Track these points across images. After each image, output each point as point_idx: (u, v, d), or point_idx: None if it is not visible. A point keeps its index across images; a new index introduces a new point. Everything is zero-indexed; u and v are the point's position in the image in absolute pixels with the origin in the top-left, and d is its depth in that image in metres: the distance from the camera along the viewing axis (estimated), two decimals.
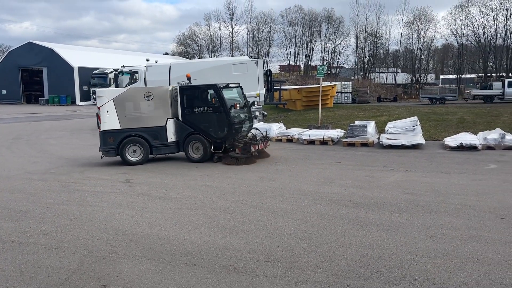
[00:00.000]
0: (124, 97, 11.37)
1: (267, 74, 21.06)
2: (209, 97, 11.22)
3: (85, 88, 47.18)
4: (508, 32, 52.35)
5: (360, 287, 4.08)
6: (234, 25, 64.99)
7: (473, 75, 56.85)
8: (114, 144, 11.18)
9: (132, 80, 20.80)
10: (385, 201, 7.12)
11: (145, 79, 20.39)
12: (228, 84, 11.71)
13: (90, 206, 7.30)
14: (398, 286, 4.10)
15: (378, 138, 13.97)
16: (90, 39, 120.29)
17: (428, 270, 4.43)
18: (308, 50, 64.48)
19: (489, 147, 12.28)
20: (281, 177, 9.27)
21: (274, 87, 24.03)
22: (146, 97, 11.23)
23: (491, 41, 53.98)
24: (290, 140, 15.10)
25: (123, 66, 21.48)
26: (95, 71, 45.21)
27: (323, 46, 64.20)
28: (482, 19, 53.67)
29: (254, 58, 20.93)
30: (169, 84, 20.17)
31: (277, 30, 65.37)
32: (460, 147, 12.23)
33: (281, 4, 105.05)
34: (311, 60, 64.54)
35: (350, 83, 40.98)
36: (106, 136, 11.24)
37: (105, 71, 43.65)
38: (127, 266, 4.76)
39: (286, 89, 27.35)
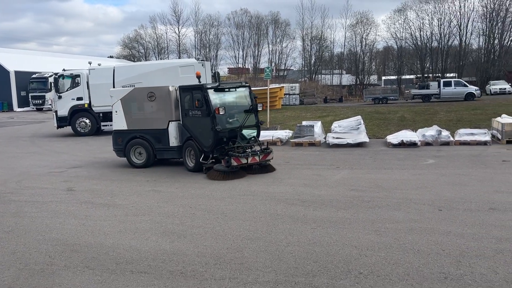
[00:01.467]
0: (130, 97, 10.89)
1: (215, 76, 20.98)
2: (194, 100, 9.94)
3: (23, 93, 44.56)
4: (442, 35, 55.63)
5: (308, 284, 4.13)
6: (181, 27, 64.41)
7: (412, 76, 59.82)
8: (122, 145, 11.01)
9: (74, 84, 19.95)
10: (332, 198, 7.28)
11: (87, 83, 19.63)
12: (227, 86, 10.36)
13: (28, 217, 6.88)
14: (344, 280, 4.19)
15: (325, 138, 14.29)
16: (28, 42, 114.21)
17: (373, 263, 4.57)
18: (256, 53, 65.16)
19: (427, 143, 12.93)
20: (169, 163, 9.24)
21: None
22: (149, 97, 10.51)
23: (427, 44, 57.13)
24: None
25: (64, 70, 20.53)
26: (33, 75, 42.88)
27: (270, 49, 65.15)
28: (419, 22, 56.72)
29: (201, 60, 20.78)
30: (113, 88, 19.63)
31: (225, 33, 65.50)
32: (401, 144, 12.78)
33: (228, 7, 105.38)
34: (259, 63, 65.19)
35: (297, 85, 41.77)
36: (116, 136, 11.20)
37: (45, 75, 41.53)
38: (68, 278, 4.52)
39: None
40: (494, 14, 52.20)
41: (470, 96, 33.93)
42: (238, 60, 65.31)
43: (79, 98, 19.86)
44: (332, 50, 65.50)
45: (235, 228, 5.93)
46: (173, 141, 10.41)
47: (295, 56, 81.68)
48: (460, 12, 54.28)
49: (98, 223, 6.41)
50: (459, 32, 54.83)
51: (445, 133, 13.24)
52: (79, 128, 20.01)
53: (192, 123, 9.94)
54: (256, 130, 10.15)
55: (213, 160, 9.86)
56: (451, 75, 51.79)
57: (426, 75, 56.12)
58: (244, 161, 9.08)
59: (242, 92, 10.34)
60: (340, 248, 5.02)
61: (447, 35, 55.55)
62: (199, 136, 9.74)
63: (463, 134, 13.33)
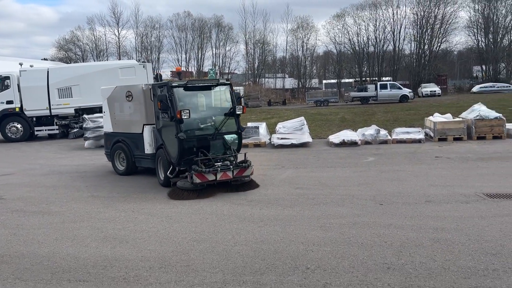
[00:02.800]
0: (113, 97, 9.90)
1: (157, 78, 20.50)
2: (157, 101, 7.92)
3: None
4: (378, 40, 58.41)
5: (256, 282, 4.08)
6: (121, 29, 62.44)
7: (351, 79, 62.27)
8: (109, 148, 10.23)
9: (3, 87, 18.66)
10: (278, 197, 7.32)
11: (18, 85, 18.42)
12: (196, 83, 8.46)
13: None
14: (292, 276, 4.19)
15: (270, 139, 14.41)
16: None
17: (319, 257, 4.61)
18: (200, 56, 64.64)
19: (367, 142, 13.43)
20: (148, 171, 9.02)
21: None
22: (127, 97, 9.34)
23: (365, 49, 59.74)
24: None
25: None
26: None
27: (214, 52, 64.88)
28: (356, 28, 59.18)
29: (142, 62, 20.23)
30: (47, 91, 18.56)
31: (167, 35, 64.38)
32: (343, 143, 13.17)
33: (170, 10, 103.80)
34: (202, 66, 64.71)
35: (241, 88, 41.95)
36: (106, 139, 10.56)
37: None
38: None
39: None
40: (424, 21, 55.65)
41: (404, 98, 35.82)
42: (181, 63, 64.42)
43: (9, 102, 18.61)
44: (275, 54, 66.56)
45: (180, 231, 5.76)
46: (148, 147, 8.94)
47: (239, 60, 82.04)
48: (393, 18, 57.36)
49: (31, 231, 5.97)
50: (393, 38, 57.93)
51: (383, 132, 13.82)
52: (10, 133, 18.74)
53: (163, 128, 8.29)
54: (237, 139, 8.27)
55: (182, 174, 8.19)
56: (387, 78, 54.41)
57: (364, 78, 58.61)
58: (210, 177, 7.33)
59: (222, 91, 8.57)
60: (287, 245, 5.03)
61: (382, 41, 58.47)
62: (167, 144, 8.13)
63: (400, 132, 14.00)
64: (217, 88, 8.51)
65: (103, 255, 4.96)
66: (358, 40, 59.45)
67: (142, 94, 8.98)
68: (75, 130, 18.99)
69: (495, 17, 55.31)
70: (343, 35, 60.14)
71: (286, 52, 65.47)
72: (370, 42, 59.12)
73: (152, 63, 55.33)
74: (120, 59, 58.10)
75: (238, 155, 8.08)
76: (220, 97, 8.59)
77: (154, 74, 21.16)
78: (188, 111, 7.47)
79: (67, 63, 59.45)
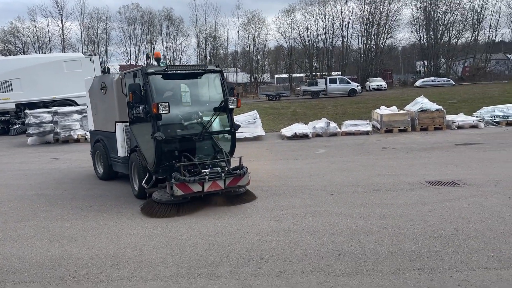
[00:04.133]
0: (92, 90, 8.64)
1: (105, 72, 19.84)
2: (128, 92, 6.43)
3: None
4: (327, 35, 59.66)
5: (211, 274, 4.08)
6: (65, 21, 59.64)
7: (302, 74, 63.26)
8: (92, 148, 9.27)
9: None
10: None
11: None
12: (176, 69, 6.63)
13: None
14: (247, 267, 4.22)
15: None
16: None
17: (273, 247, 4.68)
18: (150, 49, 63.08)
19: (317, 135, 13.76)
20: (126, 176, 8.77)
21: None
22: (101, 89, 8.02)
23: (314, 44, 60.87)
24: None
25: None
26: None
27: (164, 46, 63.58)
28: (306, 23, 60.14)
29: (89, 55, 19.49)
30: None
31: (115, 28, 62.42)
32: (295, 136, 13.42)
33: (117, 2, 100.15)
34: (152, 60, 63.16)
35: None
36: (90, 137, 9.53)
37: None
38: None
39: None
40: (370, 17, 57.50)
41: (352, 92, 36.94)
42: (130, 56, 62.68)
43: None
44: (226, 48, 66.30)
45: (132, 227, 5.64)
46: (120, 149, 7.68)
47: (190, 53, 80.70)
48: (341, 14, 58.83)
49: None
50: (342, 33, 59.41)
51: (333, 125, 14.21)
52: None
53: (137, 126, 6.84)
54: (230, 139, 6.89)
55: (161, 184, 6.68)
56: (336, 73, 55.85)
57: (314, 73, 59.78)
58: (196, 188, 5.93)
59: (211, 80, 6.95)
60: (242, 237, 5.06)
61: (331, 36, 59.81)
62: (143, 147, 6.68)
63: (349, 125, 14.45)
64: (205, 77, 6.90)
65: (50, 255, 4.76)
66: (308, 35, 60.50)
67: (113, 85, 7.53)
68: (17, 126, 18.03)
69: (435, 14, 58.15)
70: (293, 30, 61.00)
71: (238, 47, 65.42)
72: (319, 38, 60.36)
73: (100, 56, 53.36)
74: (64, 52, 55.55)
75: (231, 160, 6.70)
76: (209, 87, 7.03)
77: (102, 67, 20.44)
78: (167, 104, 5.95)
79: (6, 55, 56.09)
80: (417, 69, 63.39)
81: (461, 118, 15.21)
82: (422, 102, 15.05)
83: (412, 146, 11.21)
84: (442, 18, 57.99)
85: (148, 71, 6.29)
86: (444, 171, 8.09)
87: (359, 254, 4.39)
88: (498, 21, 66.06)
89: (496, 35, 61.71)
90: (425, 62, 59.90)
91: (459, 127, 14.47)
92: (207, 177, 5.99)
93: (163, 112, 5.97)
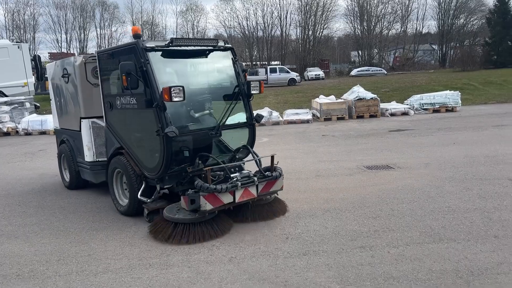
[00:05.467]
0: (55, 78, 7.14)
1: (35, 60, 18.72)
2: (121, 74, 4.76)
3: None
4: (266, 25, 60.14)
5: (164, 264, 4.11)
6: None
7: (242, 63, 63.31)
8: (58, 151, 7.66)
9: None
10: None
11: None
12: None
13: None
14: (198, 254, 4.29)
15: None
16: None
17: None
18: (82, 37, 59.96)
19: (260, 124, 13.98)
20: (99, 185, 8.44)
21: (46, 75, 21.53)
22: (63, 77, 6.64)
23: (254, 33, 61.14)
24: None
25: None
26: None
27: (98, 33, 60.75)
28: (245, 12, 60.24)
29: (17, 42, 18.28)
30: None
31: (43, 13, 58.51)
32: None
33: None
34: (86, 48, 60.24)
35: None
36: (56, 136, 7.76)
37: None
38: None
39: None
40: (307, 7, 58.68)
41: (292, 81, 37.68)
42: (61, 44, 59.22)
43: None
44: (165, 36, 64.62)
45: (77, 221, 5.49)
46: (86, 152, 6.31)
47: (127, 41, 78.10)
48: (280, 4, 59.57)
49: None
50: (280, 23, 60.13)
51: (275, 114, 14.52)
52: None
53: (123, 121, 5.48)
54: (248, 134, 5.61)
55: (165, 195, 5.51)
56: (276, 62, 56.57)
57: (255, 62, 60.16)
58: (227, 199, 4.65)
59: (220, 59, 5.58)
60: None
61: (270, 26, 60.36)
62: (136, 148, 5.33)
63: (290, 114, 14.84)
64: (213, 56, 5.45)
65: None
66: (247, 24, 60.61)
67: (75, 72, 6.27)
68: None
69: (368, 6, 60.55)
70: (232, 19, 60.88)
71: (177, 35, 64.04)
72: (259, 27, 60.69)
73: (27, 43, 49.96)
74: None
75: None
76: (219, 69, 5.68)
77: (31, 55, 19.24)
78: (181, 88, 4.47)
79: None
80: (352, 59, 65.80)
81: (393, 106, 16.16)
82: (358, 91, 15.78)
83: (350, 133, 11.77)
84: (374, 10, 60.52)
85: (147, 45, 4.85)
86: (380, 156, 8.61)
87: (306, 237, 4.62)
88: (424, 13, 70.37)
89: (423, 27, 65.79)
90: (360, 52, 62.34)
91: (392, 115, 15.38)
92: (239, 184, 4.66)
93: (177, 99, 4.47)
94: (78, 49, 59.87)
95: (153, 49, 4.89)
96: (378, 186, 6.44)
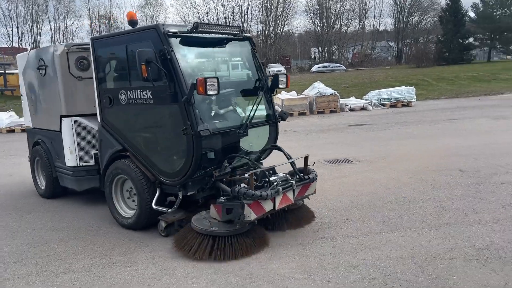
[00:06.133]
0: (27, 70, 6.32)
1: None
2: (139, 63, 4.10)
3: None
4: (227, 21, 59.87)
5: (127, 261, 4.08)
6: None
7: None
8: (30, 153, 6.79)
9: None
10: None
11: None
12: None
13: None
14: (163, 251, 4.28)
15: None
16: None
17: None
18: (35, 31, 57.45)
19: None
20: (21, 171, 8.14)
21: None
22: (39, 69, 5.85)
23: None
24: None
25: None
26: None
27: (52, 27, 58.42)
28: (205, 8, 59.74)
29: None
30: None
31: None
32: None
33: None
34: (39, 42, 57.79)
35: None
36: (27, 137, 6.83)
37: None
38: None
39: (12, 74, 23.84)
40: (268, 4, 58.95)
41: None
42: (12, 38, 56.51)
43: None
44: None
45: (34, 221, 5.33)
46: (68, 156, 5.60)
47: (83, 36, 75.17)
48: (241, 0, 59.39)
49: None
50: (241, 19, 60.08)
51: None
52: None
53: (128, 119, 4.84)
54: (269, 133, 5.15)
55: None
56: (238, 58, 56.47)
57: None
58: (268, 206, 4.12)
59: (240, 49, 5.12)
60: (155, 226, 5.07)
61: (232, 21, 60.15)
62: (148, 151, 4.67)
63: None
64: (233, 45, 4.98)
65: None
66: (208, 20, 60.10)
67: (54, 63, 5.51)
68: None
69: (327, 3, 61.57)
70: (192, 14, 60.12)
71: None
72: (220, 23, 60.36)
73: None
74: None
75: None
76: (239, 60, 5.22)
77: None
78: (216, 80, 4.00)
79: None
80: (313, 55, 66.77)
81: (352, 101, 16.60)
82: (319, 87, 16.09)
83: (311, 128, 12.00)
84: (333, 7, 61.63)
85: (170, 30, 4.23)
86: (340, 150, 8.85)
87: (269, 231, 4.70)
88: (381, 11, 72.39)
89: (380, 24, 67.67)
90: (320, 48, 63.32)
91: (351, 110, 15.79)
92: (280, 189, 4.20)
93: (212, 92, 4.00)
94: (30, 44, 57.38)
95: (174, 35, 4.28)
96: (338, 179, 6.64)
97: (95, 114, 5.21)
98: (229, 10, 59.70)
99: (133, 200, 4.88)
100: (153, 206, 4.58)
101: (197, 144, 4.14)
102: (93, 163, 5.52)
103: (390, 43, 64.55)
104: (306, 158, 4.69)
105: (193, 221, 4.18)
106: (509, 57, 50.55)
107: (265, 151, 5.07)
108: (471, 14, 49.96)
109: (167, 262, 4.02)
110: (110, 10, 59.13)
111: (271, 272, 3.71)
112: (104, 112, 5.00)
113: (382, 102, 16.65)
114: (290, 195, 4.33)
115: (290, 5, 59.51)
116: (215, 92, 4.01)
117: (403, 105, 16.70)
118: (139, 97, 4.52)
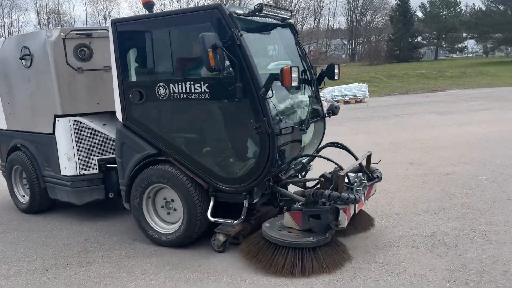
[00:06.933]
0: (3, 60, 5.29)
1: None
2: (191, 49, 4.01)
3: None
4: None
5: (82, 261, 3.99)
6: None
7: None
8: (4, 161, 5.71)
9: None
10: None
11: None
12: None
13: None
14: (120, 250, 4.22)
15: None
16: None
17: None
18: None
19: None
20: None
21: None
22: (22, 59, 4.90)
23: None
24: None
25: None
26: None
27: None
28: (160, 3, 58.56)
29: None
30: None
31: None
32: None
33: None
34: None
35: None
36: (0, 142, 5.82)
37: None
38: None
39: None
40: (221, 1, 58.73)
41: None
42: None
43: None
44: (73, 26, 60.77)
45: None
46: (65, 163, 4.76)
47: (30, 31, 72.14)
48: None
49: None
50: None
51: None
52: None
53: (169, 117, 4.15)
54: (315, 129, 4.66)
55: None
56: (287, 45, 55.66)
57: None
58: (352, 211, 3.75)
59: (286, 36, 4.63)
60: (113, 223, 4.98)
61: None
62: (199, 154, 4.02)
63: None
64: (280, 31, 4.53)
65: None
66: (82, 27, 59.06)
67: (47, 52, 4.60)
68: None
69: (283, 1, 62.17)
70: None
71: (87, 25, 60.51)
72: None
73: None
74: None
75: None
76: (287, 48, 4.71)
77: None
78: (297, 70, 3.54)
79: None
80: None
81: None
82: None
83: None
84: (289, 5, 62.29)
85: (235, 11, 3.68)
86: None
87: None
88: (335, 10, 73.98)
89: (334, 22, 69.27)
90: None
91: None
92: (361, 190, 3.90)
93: (295, 83, 3.53)
94: None
95: (238, 18, 3.67)
96: None
97: (97, 113, 4.73)
98: (184, 5, 58.94)
99: (168, 213, 4.23)
100: (209, 217, 3.92)
101: (273, 143, 3.61)
102: (96, 171, 4.75)
103: (344, 41, 66.19)
104: (369, 156, 4.35)
105: (265, 229, 3.74)
106: (454, 55, 53.24)
107: (320, 150, 4.52)
108: (419, 14, 52.14)
109: (124, 260, 3.97)
110: (58, 4, 56.80)
111: (229, 265, 3.74)
112: (131, 110, 4.16)
113: (336, 99, 17.08)
114: (362, 197, 3.91)
115: (246, 2, 59.56)
116: (296, 83, 3.55)
117: (356, 101, 17.22)
118: (188, 90, 3.81)
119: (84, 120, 4.74)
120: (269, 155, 3.63)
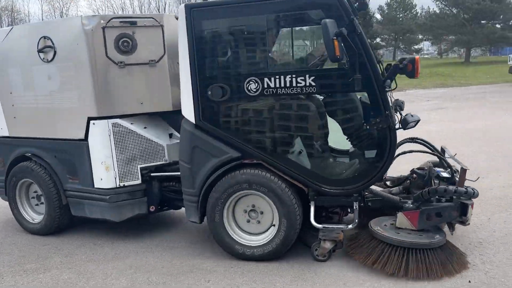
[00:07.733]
0: (5, 55, 4.51)
1: None
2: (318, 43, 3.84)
3: None
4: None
5: (41, 268, 3.87)
6: None
7: None
8: (4, 173, 4.82)
9: None
10: None
11: None
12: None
13: None
14: (80, 255, 4.13)
15: None
16: None
17: (105, 234, 4.64)
18: None
19: None
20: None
21: None
22: (41, 52, 4.18)
23: None
24: None
25: None
26: None
27: None
28: (120, 1, 57.42)
29: None
30: None
31: None
32: None
33: None
34: None
35: None
36: None
37: None
38: None
39: None
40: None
41: None
42: None
43: None
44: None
45: None
46: (101, 174, 4.14)
47: None
48: None
49: None
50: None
51: None
52: None
53: (262, 117, 3.68)
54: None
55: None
56: None
57: None
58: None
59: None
60: (71, 228, 4.84)
61: None
62: (301, 155, 3.76)
63: None
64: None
65: None
66: (124, 14, 57.97)
67: (82, 43, 3.94)
68: None
69: None
70: (106, 8, 57.47)
71: None
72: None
73: None
74: None
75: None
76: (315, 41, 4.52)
77: None
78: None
79: None
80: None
81: None
82: None
83: None
84: None
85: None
86: None
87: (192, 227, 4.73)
88: None
89: None
90: None
91: None
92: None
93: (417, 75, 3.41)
94: None
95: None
96: None
97: (136, 115, 4.17)
98: (146, 4, 58.00)
99: (248, 221, 3.79)
100: (313, 223, 3.58)
101: (394, 139, 3.42)
102: (139, 182, 4.17)
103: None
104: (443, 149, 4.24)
105: (375, 229, 3.50)
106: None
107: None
108: (378, 16, 53.64)
109: (84, 265, 3.89)
110: (12, 1, 54.44)
111: (193, 267, 3.74)
112: (207, 109, 3.70)
113: None
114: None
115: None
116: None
117: None
118: (288, 85, 3.46)
119: (125, 123, 4.11)
120: (389, 152, 3.44)
